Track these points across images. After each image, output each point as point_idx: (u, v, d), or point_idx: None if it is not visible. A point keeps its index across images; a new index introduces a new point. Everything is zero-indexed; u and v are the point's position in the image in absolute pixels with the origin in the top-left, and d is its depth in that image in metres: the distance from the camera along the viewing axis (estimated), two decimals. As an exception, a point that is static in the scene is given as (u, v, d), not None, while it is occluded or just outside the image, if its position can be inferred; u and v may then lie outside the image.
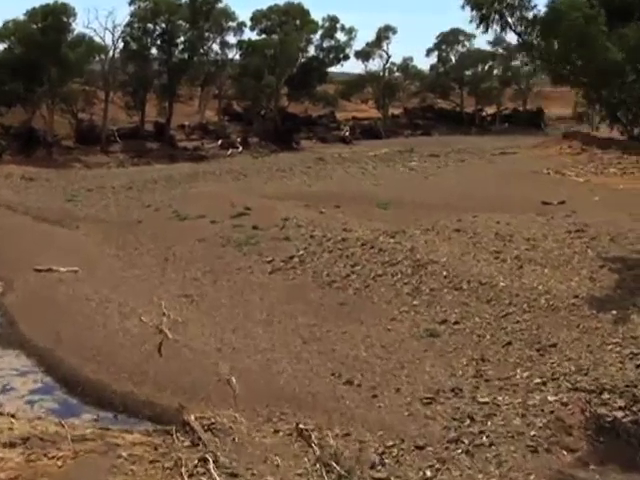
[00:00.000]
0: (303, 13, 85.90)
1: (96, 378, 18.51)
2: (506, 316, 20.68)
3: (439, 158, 58.91)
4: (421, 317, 21.54)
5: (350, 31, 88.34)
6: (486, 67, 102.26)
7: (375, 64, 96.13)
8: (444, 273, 23.95)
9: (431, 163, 55.58)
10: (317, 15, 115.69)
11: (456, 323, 20.76)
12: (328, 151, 70.24)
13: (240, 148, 72.15)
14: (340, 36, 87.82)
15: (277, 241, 29.70)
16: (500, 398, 16.28)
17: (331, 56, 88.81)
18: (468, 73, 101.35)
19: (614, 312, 19.62)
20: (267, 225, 31.99)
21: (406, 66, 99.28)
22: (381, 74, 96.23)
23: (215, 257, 28.88)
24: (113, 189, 45.95)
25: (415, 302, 22.58)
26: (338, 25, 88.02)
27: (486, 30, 42.28)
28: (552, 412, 15.39)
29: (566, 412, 15.32)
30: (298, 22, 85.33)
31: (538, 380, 16.94)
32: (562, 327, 19.52)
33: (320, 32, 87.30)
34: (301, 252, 28.08)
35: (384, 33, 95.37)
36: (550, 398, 15.98)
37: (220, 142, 73.29)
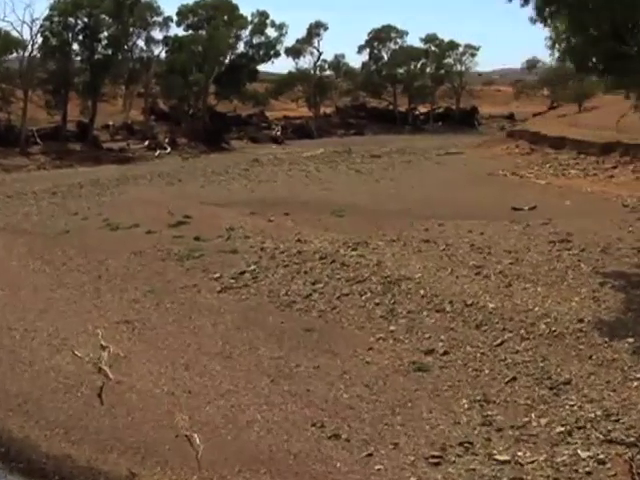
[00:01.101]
0: (231, 8, 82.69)
1: (22, 436, 15.18)
2: (502, 344, 17.95)
3: (382, 159, 56.26)
4: (402, 346, 18.65)
5: (281, 27, 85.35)
6: (419, 65, 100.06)
7: (306, 61, 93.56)
8: (421, 292, 21.17)
9: (376, 165, 52.95)
10: (246, 11, 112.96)
11: (445, 354, 17.92)
12: (261, 152, 67.33)
13: (168, 149, 68.85)
14: (270, 32, 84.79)
15: (223, 254, 26.64)
16: (521, 454, 13.48)
17: (261, 53, 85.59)
18: (401, 71, 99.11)
19: (630, 340, 17.09)
20: (210, 236, 28.93)
21: (338, 64, 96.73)
22: (312, 72, 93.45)
23: (155, 273, 25.64)
24: (35, 195, 42.28)
25: (392, 327, 19.69)
26: (268, 21, 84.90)
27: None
28: (589, 473, 12.63)
29: (607, 474, 12.58)
30: (226, 18, 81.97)
31: (560, 429, 14.19)
32: (571, 358, 16.86)
33: (250, 28, 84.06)
34: (252, 267, 25.07)
35: (315, 29, 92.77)
36: (582, 454, 13.24)
37: (147, 143, 69.91)
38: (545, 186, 39.90)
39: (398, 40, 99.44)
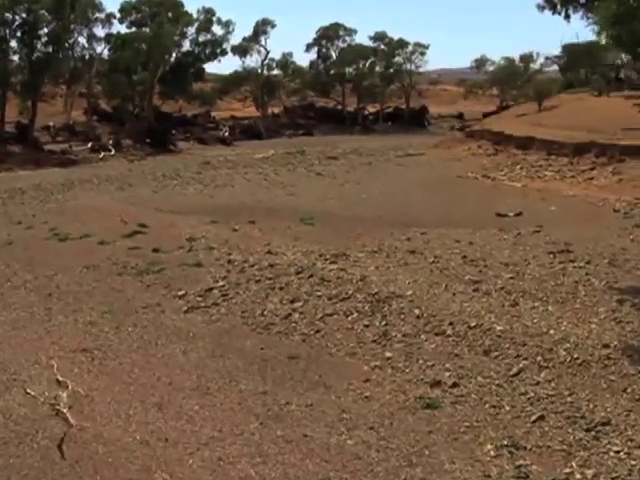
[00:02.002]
0: (176, 5, 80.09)
1: (-31, 504, 12.68)
2: (519, 375, 15.79)
3: (340, 161, 54.10)
4: (403, 377, 16.40)
5: (227, 24, 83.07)
6: (368, 64, 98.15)
7: (253, 60, 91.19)
8: (415, 312, 18.98)
9: (336, 167, 50.79)
10: (191, 8, 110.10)
11: (455, 386, 15.70)
12: (210, 153, 64.88)
13: (112, 151, 66.04)
14: (217, 30, 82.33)
15: (187, 268, 24.25)
16: (572, 517, 11.31)
17: (207, 51, 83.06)
18: (349, 70, 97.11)
19: (668, 369, 15.00)
20: (170, 247, 26.51)
21: (285, 62, 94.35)
22: (259, 71, 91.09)
23: (112, 290, 23.10)
24: (-29, 202, 39.38)
25: (388, 353, 17.45)
26: (214, 18, 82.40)
27: None
28: None
29: None
30: (171, 14, 79.29)
31: (614, 484, 12.05)
32: (602, 392, 14.77)
33: (195, 25, 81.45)
34: (221, 283, 22.72)
35: (262, 27, 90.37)
36: (646, 516, 11.10)
37: (90, 144, 66.86)
38: (522, 189, 38.08)
39: (347, 38, 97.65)
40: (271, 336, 19.09)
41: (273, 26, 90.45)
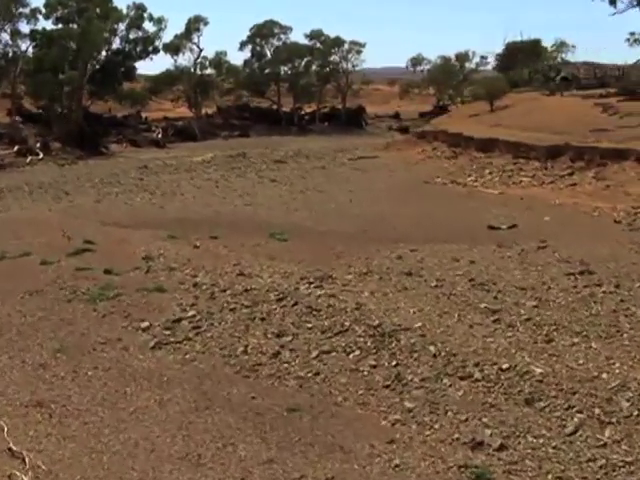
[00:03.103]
0: (105, 0, 76.12)
1: None
2: (577, 433, 13.08)
3: (289, 165, 51.25)
4: (434, 435, 13.58)
5: (159, 21, 79.46)
6: (303, 62, 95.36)
7: (186, 59, 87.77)
8: (430, 349, 16.17)
9: (289, 172, 47.96)
10: (121, 3, 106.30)
11: (502, 448, 12.91)
12: (145, 156, 61.48)
13: (41, 154, 61.97)
14: (148, 27, 78.71)
15: (147, 294, 21.16)
16: None
17: (138, 49, 79.34)
18: (285, 69, 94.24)
19: None
20: (124, 268, 23.37)
21: (219, 61, 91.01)
22: (192, 70, 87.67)
23: (62, 322, 19.85)
24: None
25: (408, 404, 14.61)
26: (145, 15, 78.75)
27: None
28: None
29: None
30: (99, 10, 75.42)
31: None
32: (688, 456, 12.11)
33: (126, 22, 77.68)
34: (190, 312, 19.68)
35: (195, 24, 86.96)
36: None
37: (17, 148, 62.68)
38: (501, 197, 35.66)
39: (282, 36, 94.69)
40: (261, 381, 16.14)
41: (206, 23, 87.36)
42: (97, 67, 74.10)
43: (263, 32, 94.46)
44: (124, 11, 77.38)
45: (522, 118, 51.42)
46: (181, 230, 28.09)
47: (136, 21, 78.31)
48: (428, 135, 57.32)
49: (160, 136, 76.58)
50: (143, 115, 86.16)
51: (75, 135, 67.38)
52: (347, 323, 17.83)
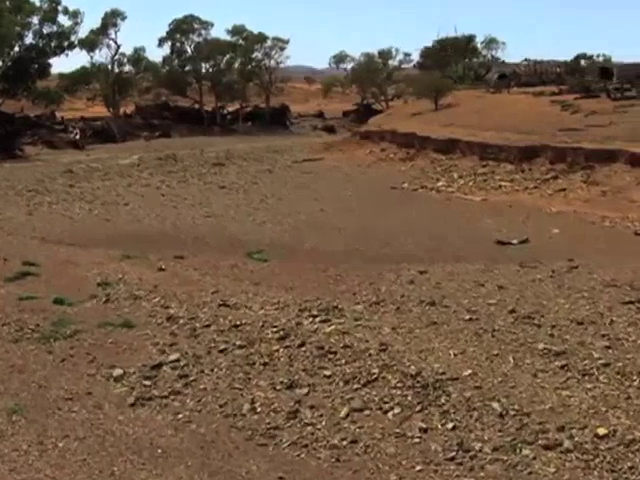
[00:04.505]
0: (16, -7, 71.21)
1: None
2: None
3: (229, 168, 47.78)
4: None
5: (75, 15, 74.81)
6: (225, 59, 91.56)
7: (102, 55, 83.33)
8: (494, 407, 13.00)
9: (235, 176, 44.57)
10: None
11: None
12: (65, 159, 57.24)
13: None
14: (63, 21, 74.09)
15: (112, 330, 17.62)
16: None
17: (53, 44, 74.57)
18: (206, 66, 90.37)
19: None
20: (78, 296, 19.73)
21: (137, 58, 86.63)
22: (110, 67, 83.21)
23: (12, 370, 16.15)
24: None
25: (490, 485, 11.40)
26: (60, 8, 74.07)
27: None
28: None
29: None
30: (9, 3, 70.62)
31: None
32: None
33: (39, 15, 72.88)
34: (172, 356, 16.17)
35: (111, 19, 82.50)
36: None
37: None
38: (485, 204, 32.70)
39: (202, 32, 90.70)
40: (283, 451, 12.74)
41: (123, 18, 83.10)
42: (9, 64, 69.31)
43: (183, 27, 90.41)
44: (37, 3, 72.65)
45: (476, 117, 48.79)
46: (137, 248, 24.41)
47: (50, 14, 73.58)
48: (373, 135, 54.31)
49: (78, 137, 72.08)
50: (58, 115, 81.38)
51: (-12, 137, 62.62)
52: (375, 370, 14.54)
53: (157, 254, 23.49)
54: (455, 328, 16.11)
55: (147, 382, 15.20)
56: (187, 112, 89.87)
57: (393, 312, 17.26)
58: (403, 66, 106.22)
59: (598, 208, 31.01)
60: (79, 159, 57.07)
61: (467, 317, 16.68)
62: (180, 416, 13.92)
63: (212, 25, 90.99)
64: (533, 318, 16.39)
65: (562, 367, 14.08)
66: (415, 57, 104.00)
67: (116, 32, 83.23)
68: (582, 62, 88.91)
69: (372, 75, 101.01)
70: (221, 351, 16.19)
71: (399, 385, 14.00)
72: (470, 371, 14.04)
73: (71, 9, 74.70)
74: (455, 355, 14.75)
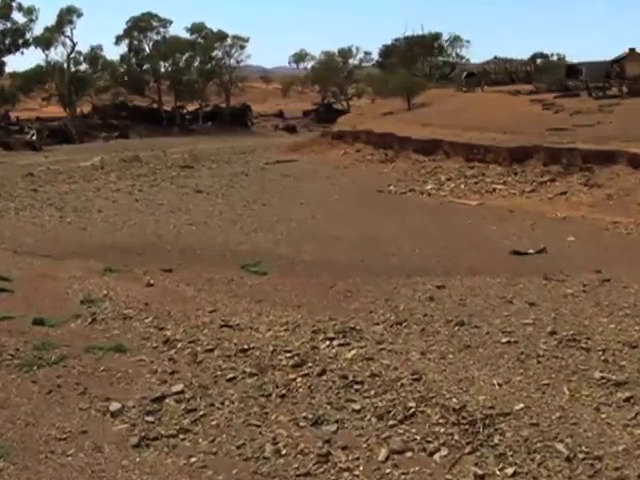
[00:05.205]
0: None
1: None
2: None
3: (200, 172, 45.84)
4: None
5: (30, 11, 72.54)
6: (184, 58, 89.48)
7: (58, 53, 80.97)
8: (560, 449, 11.43)
9: (209, 180, 42.69)
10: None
11: None
12: (22, 161, 55.15)
13: None
14: (18, 17, 71.82)
15: (102, 356, 15.85)
16: None
17: (7, 42, 72.17)
18: (165, 65, 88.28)
19: None
20: (59, 315, 17.88)
21: (94, 56, 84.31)
22: (65, 65, 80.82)
23: (-6, 405, 14.25)
24: None
25: None
26: (14, 4, 71.78)
27: None
28: None
29: None
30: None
31: None
32: None
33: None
34: (176, 386, 14.37)
35: (67, 16, 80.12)
36: None
37: None
38: (485, 210, 31.28)
39: (161, 30, 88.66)
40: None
41: (80, 15, 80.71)
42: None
43: (141, 25, 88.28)
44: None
45: (455, 116, 47.33)
46: (119, 260, 22.51)
47: (4, 11, 71.39)
48: (346, 135, 52.58)
49: (35, 138, 69.63)
50: (12, 115, 78.86)
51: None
52: (411, 403, 12.88)
53: (142, 267, 21.65)
54: (493, 353, 14.50)
55: (150, 418, 13.43)
56: (146, 112, 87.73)
57: (418, 334, 15.62)
58: (364, 65, 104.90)
59: (607, 213, 29.64)
60: (38, 161, 54.84)
61: (504, 340, 15.08)
62: (193, 460, 12.18)
63: (171, 23, 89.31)
64: (578, 341, 14.85)
65: (627, 400, 12.54)
66: (375, 56, 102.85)
67: (72, 30, 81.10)
68: (538, 61, 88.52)
69: (332, 74, 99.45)
70: (229, 380, 14.44)
71: (441, 421, 12.37)
72: (522, 405, 12.44)
73: (26, 5, 72.58)
74: (500, 385, 13.15)
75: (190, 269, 21.62)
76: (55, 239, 27.05)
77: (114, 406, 13.80)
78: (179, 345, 15.94)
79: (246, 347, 15.41)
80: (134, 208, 34.15)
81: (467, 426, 12.16)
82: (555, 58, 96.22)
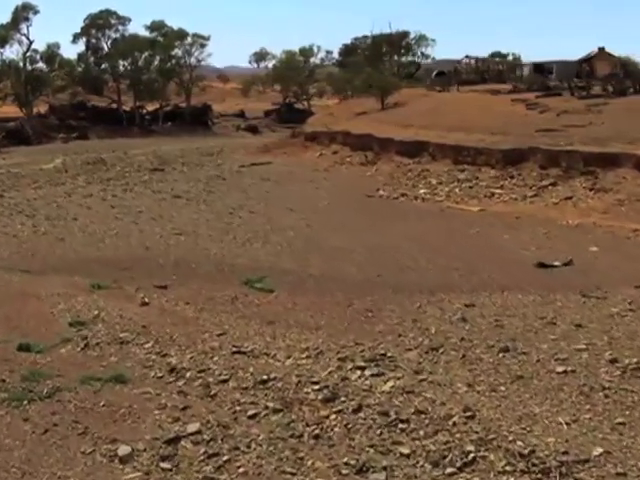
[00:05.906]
0: None
1: None
2: None
3: (173, 175, 43.94)
4: None
5: (-15, 9, 69.61)
6: (144, 56, 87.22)
7: (13, 52, 78.49)
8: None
9: (184, 184, 40.80)
10: None
11: None
12: (-20, 165, 52.43)
13: None
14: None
15: (100, 388, 14.13)
16: None
17: (-39, 40, 69.61)
18: (124, 63, 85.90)
19: None
20: (46, 339, 16.15)
21: (51, 54, 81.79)
22: (21, 64, 78.29)
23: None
24: None
25: None
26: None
27: None
28: None
29: None
30: None
31: None
32: None
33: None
34: (192, 425, 12.64)
35: (22, 13, 77.57)
36: None
37: None
38: (488, 216, 29.79)
39: (120, 28, 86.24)
40: None
41: (36, 12, 78.20)
42: None
43: (99, 23, 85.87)
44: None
45: (435, 117, 45.83)
46: (106, 275, 20.66)
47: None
48: (321, 137, 50.88)
49: (-11, 139, 67.22)
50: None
51: None
52: (470, 447, 11.28)
53: (132, 283, 19.86)
54: (550, 385, 12.95)
55: (166, 464, 11.73)
56: (104, 112, 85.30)
57: (459, 361, 14.04)
58: (325, 64, 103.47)
59: (622, 220, 28.29)
60: (-2, 164, 52.65)
61: (559, 369, 13.53)
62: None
63: (130, 20, 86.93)
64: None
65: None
66: (336, 55, 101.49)
67: (28, 27, 78.62)
68: (496, 60, 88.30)
69: (294, 73, 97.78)
70: (251, 417, 12.77)
71: (508, 469, 10.80)
72: (600, 449, 10.90)
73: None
74: (568, 425, 11.60)
75: (186, 285, 19.87)
76: (32, 251, 25.10)
77: (123, 450, 12.09)
78: (187, 375, 14.21)
79: (265, 377, 13.73)
80: (112, 215, 32.18)
81: (540, 475, 10.59)
82: (511, 58, 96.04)
